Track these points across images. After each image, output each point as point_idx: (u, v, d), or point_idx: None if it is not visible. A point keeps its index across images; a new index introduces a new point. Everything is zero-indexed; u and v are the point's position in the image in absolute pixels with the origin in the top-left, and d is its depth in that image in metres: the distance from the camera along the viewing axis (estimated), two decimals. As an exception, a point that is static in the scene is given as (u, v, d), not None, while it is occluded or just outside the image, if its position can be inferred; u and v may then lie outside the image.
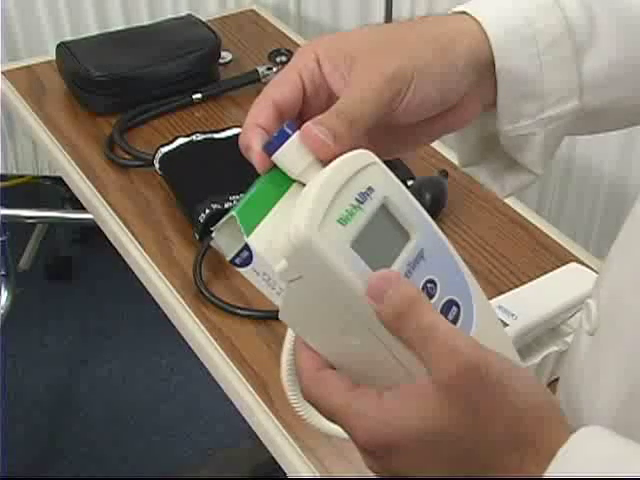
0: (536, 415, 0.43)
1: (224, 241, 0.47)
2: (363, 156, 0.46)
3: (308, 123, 0.47)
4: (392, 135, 0.55)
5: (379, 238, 0.45)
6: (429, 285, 0.46)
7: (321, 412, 0.46)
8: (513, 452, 0.42)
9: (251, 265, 0.46)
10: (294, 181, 0.47)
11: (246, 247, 0.46)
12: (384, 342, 0.44)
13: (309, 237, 0.42)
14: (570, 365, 0.58)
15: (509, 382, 0.42)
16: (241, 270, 0.47)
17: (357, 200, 0.44)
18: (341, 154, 0.46)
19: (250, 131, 0.49)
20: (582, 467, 0.41)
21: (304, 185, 0.46)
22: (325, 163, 0.46)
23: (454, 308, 0.46)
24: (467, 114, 0.55)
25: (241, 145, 0.49)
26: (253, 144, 0.48)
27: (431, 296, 0.46)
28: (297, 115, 0.51)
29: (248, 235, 0.45)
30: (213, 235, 0.47)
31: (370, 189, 0.45)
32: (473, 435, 0.42)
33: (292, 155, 0.46)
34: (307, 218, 0.42)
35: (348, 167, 0.45)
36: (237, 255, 0.46)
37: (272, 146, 0.46)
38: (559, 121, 0.56)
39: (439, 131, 0.56)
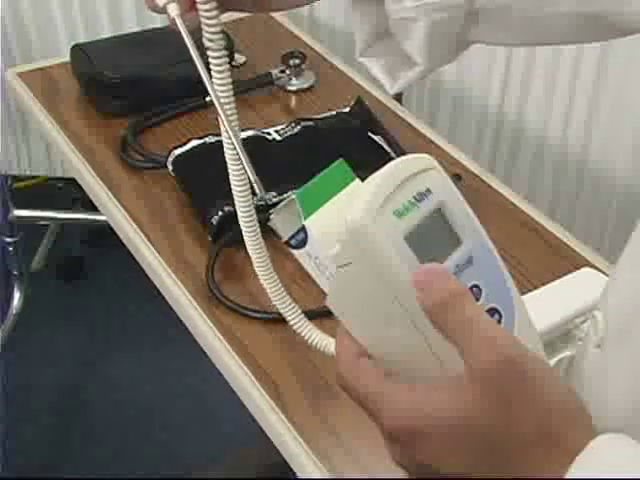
0: (566, 416, 0.43)
1: (281, 222, 0.48)
2: (425, 160, 0.47)
3: None
4: None
5: (432, 237, 0.45)
6: (474, 289, 0.46)
7: (352, 396, 0.47)
8: (539, 449, 0.42)
9: (305, 248, 0.47)
10: None
11: (303, 229, 0.47)
12: (425, 335, 0.44)
13: (365, 223, 0.43)
14: (578, 376, 0.58)
15: (542, 381, 0.43)
16: (295, 252, 0.48)
17: (415, 198, 0.45)
18: None
19: None
20: (602, 472, 0.41)
21: None
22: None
23: (496, 316, 0.47)
24: None
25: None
26: None
27: (475, 300, 0.46)
28: None
29: (306, 218, 0.47)
30: (271, 217, 0.48)
31: (428, 191, 0.46)
32: (502, 428, 0.42)
33: None
34: (365, 206, 0.43)
35: (410, 166, 0.46)
36: (293, 237, 0.48)
37: None
38: (443, 13, 0.56)
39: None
